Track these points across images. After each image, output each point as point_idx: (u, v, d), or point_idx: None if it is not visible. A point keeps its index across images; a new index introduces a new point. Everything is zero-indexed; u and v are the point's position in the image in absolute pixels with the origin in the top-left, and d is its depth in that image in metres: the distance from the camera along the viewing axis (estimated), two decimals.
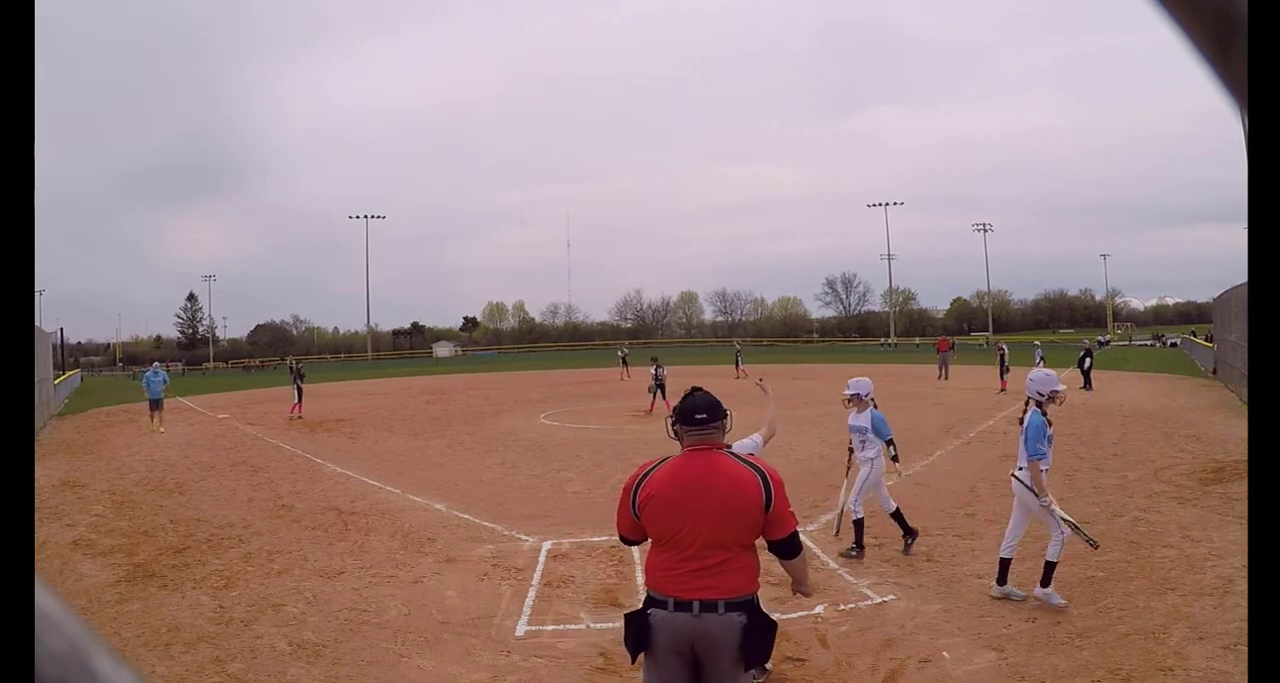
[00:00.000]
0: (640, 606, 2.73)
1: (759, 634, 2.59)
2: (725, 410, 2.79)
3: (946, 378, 24.01)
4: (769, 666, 3.91)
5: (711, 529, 2.59)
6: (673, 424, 2.88)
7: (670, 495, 2.64)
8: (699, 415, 2.73)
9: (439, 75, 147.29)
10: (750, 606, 2.61)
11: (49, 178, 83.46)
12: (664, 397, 16.95)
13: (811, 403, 18.45)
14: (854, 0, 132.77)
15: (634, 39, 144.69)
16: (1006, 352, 20.53)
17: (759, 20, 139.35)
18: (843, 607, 4.90)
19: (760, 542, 2.71)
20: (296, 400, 18.56)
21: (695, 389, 2.86)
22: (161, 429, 16.51)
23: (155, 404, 16.88)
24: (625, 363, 31.09)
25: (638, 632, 2.64)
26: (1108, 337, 60.18)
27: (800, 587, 2.96)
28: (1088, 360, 19.79)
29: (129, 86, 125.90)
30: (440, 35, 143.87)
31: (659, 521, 2.66)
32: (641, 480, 2.73)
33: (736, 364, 28.90)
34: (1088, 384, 19.48)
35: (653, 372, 17.88)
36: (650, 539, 2.74)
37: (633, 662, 2.75)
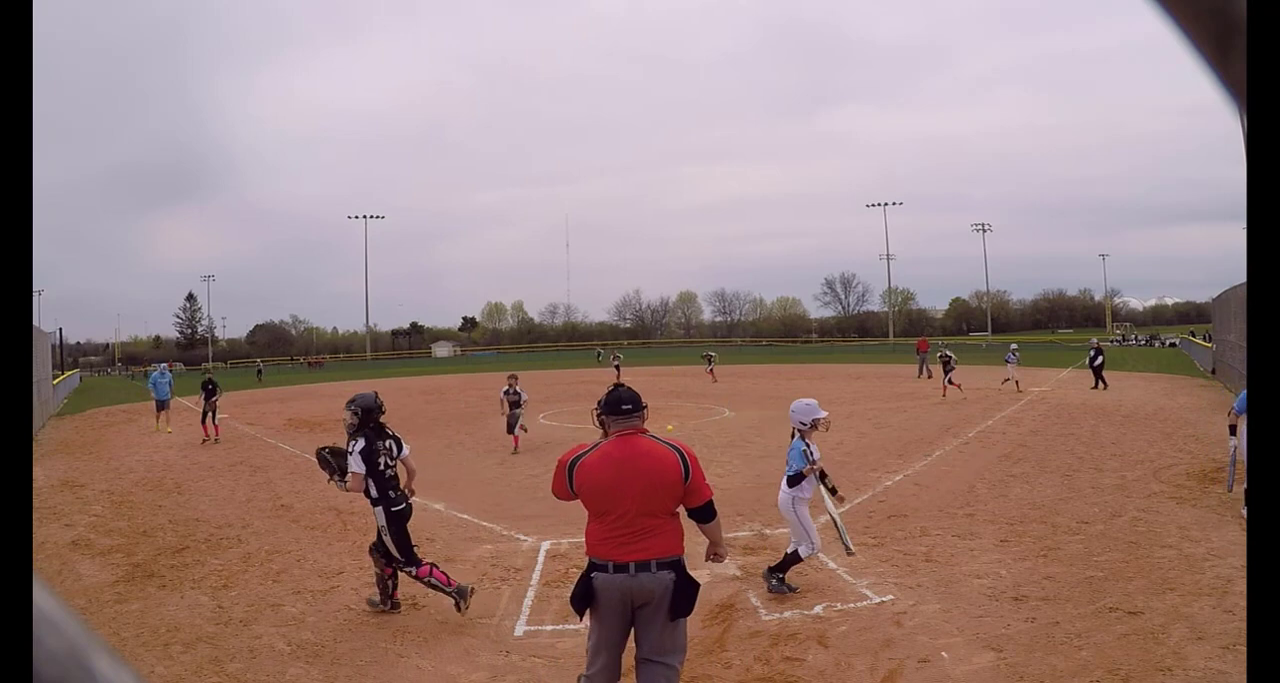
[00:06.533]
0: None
1: (685, 590, 3.08)
2: (644, 403, 3.29)
3: (929, 377, 24.66)
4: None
5: (641, 501, 3.03)
6: (599, 414, 3.26)
7: (604, 474, 3.08)
8: (625, 406, 3.18)
9: (439, 77, 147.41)
10: (678, 565, 3.09)
11: (50, 179, 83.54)
12: None
13: None
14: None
15: (634, 40, 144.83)
16: (953, 358, 19.72)
17: (758, 20, 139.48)
18: (841, 607, 4.90)
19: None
20: (203, 420, 14.94)
21: (619, 385, 3.32)
22: (169, 430, 16.38)
23: (162, 405, 16.70)
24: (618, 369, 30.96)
25: (584, 593, 3.10)
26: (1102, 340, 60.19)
27: (717, 548, 3.41)
28: (1099, 359, 19.66)
29: (130, 87, 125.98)
30: (443, 37, 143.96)
31: (595, 496, 3.09)
32: (576, 462, 3.15)
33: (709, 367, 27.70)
34: (1100, 382, 19.37)
35: (615, 367, 18.39)
36: (588, 512, 3.17)
37: (580, 619, 3.26)
